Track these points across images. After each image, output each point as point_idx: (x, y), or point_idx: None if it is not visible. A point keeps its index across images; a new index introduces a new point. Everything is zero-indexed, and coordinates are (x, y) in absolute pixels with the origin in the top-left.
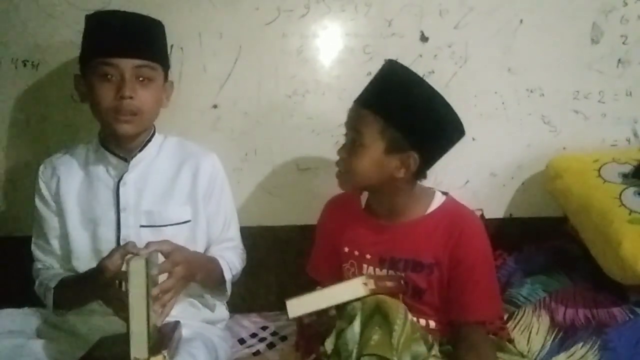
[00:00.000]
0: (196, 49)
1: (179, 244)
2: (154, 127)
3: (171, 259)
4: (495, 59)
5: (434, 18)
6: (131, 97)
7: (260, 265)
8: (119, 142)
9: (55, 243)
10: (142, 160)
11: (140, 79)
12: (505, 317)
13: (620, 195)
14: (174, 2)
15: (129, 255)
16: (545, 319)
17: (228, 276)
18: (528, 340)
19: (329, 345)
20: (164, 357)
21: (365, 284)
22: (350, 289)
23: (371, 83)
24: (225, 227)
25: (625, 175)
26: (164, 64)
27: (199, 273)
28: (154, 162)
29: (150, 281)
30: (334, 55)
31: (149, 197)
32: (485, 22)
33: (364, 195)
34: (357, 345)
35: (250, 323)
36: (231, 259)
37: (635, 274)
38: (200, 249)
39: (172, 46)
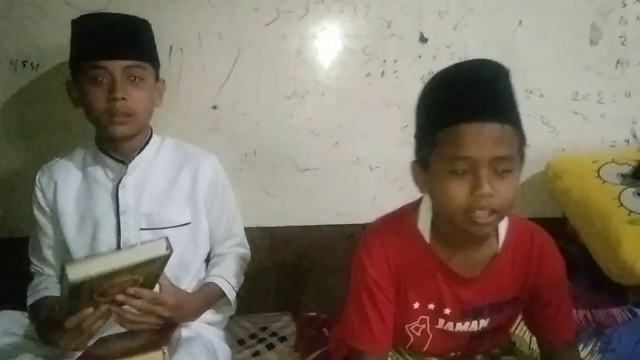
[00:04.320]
0: (195, 50)
1: (180, 245)
2: (151, 128)
3: (160, 297)
4: (494, 60)
5: (433, 19)
6: (124, 99)
7: (259, 266)
8: (115, 144)
9: (48, 253)
10: (141, 163)
11: (132, 78)
12: None
13: (620, 195)
14: (173, 2)
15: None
16: None
17: (232, 296)
18: (530, 343)
19: None
20: (164, 352)
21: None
22: None
23: (488, 90)
24: (229, 225)
25: (624, 176)
26: (154, 62)
27: (192, 317)
28: (152, 164)
29: (143, 268)
30: (333, 56)
31: (149, 200)
32: (484, 23)
33: (422, 226)
34: None
35: (249, 324)
36: (234, 271)
37: (635, 275)
38: (202, 250)
39: (171, 47)
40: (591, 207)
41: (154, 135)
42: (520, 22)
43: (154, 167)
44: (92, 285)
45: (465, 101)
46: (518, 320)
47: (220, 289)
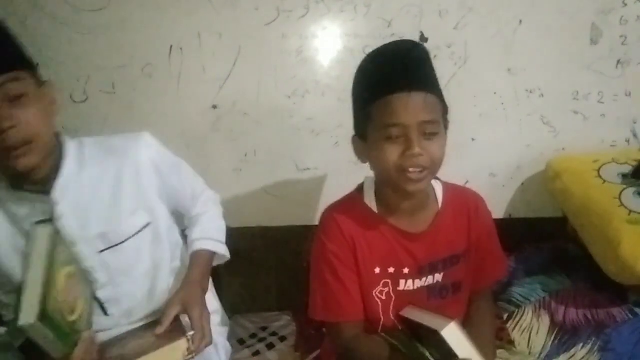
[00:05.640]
0: (196, 50)
1: (147, 249)
2: (59, 135)
3: (195, 319)
4: (495, 60)
5: (433, 19)
6: (12, 127)
7: (259, 266)
8: (24, 176)
9: (5, 298)
10: (67, 184)
11: (11, 97)
12: (505, 317)
13: (620, 195)
14: (173, 2)
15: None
16: (545, 320)
17: (221, 249)
18: (529, 342)
19: None
20: (188, 339)
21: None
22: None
23: (412, 64)
24: (192, 188)
25: (624, 176)
26: (28, 66)
27: (203, 292)
28: (82, 177)
29: (56, 258)
30: (334, 56)
31: (96, 219)
32: (485, 22)
33: (369, 200)
34: None
35: (249, 324)
36: (213, 226)
37: (635, 274)
38: (168, 243)
39: (171, 47)
40: (591, 207)
41: (67, 142)
42: (520, 21)
43: (85, 180)
44: (55, 307)
45: (393, 75)
46: (517, 320)
47: (209, 251)
